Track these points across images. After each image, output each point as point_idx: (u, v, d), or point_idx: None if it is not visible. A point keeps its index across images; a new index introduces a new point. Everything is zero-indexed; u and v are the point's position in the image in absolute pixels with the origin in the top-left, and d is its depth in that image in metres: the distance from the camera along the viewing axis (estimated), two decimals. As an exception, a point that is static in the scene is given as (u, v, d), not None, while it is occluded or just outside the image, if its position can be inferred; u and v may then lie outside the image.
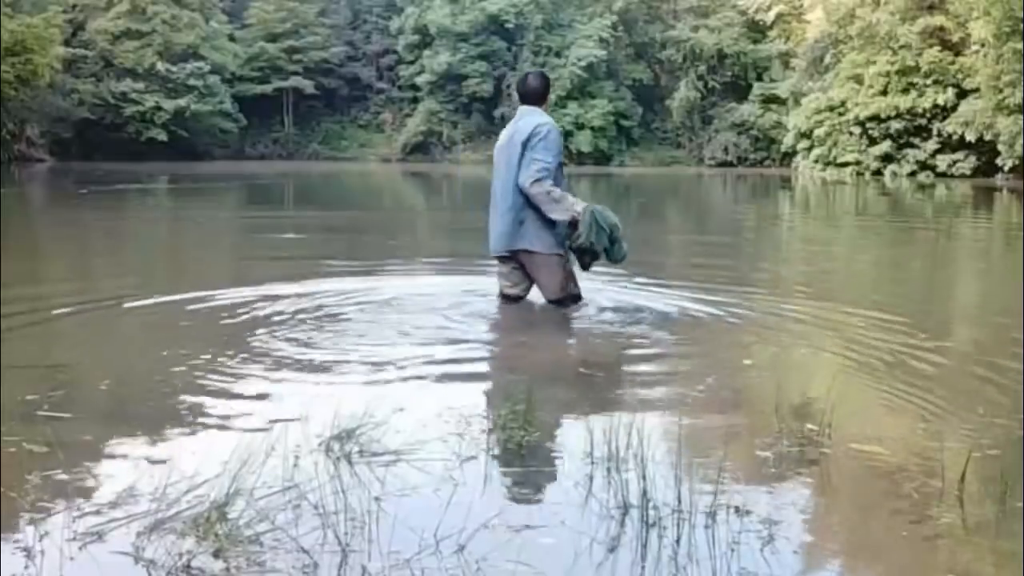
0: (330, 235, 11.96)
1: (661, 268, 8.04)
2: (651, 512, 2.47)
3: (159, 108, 46.75)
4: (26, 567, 2.17)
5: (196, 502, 2.47)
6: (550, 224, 5.31)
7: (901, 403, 3.76)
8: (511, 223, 5.36)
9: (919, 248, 11.95)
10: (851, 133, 37.09)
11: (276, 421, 3.25)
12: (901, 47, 35.30)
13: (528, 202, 5.28)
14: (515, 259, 5.49)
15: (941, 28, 34.86)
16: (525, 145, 5.25)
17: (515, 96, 6.00)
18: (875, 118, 36.03)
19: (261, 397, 3.76)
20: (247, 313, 5.34)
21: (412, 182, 33.83)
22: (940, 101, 34.73)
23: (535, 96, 5.49)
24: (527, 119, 5.38)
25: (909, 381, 4.05)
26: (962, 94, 34.20)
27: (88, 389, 3.93)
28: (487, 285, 5.99)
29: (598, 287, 6.13)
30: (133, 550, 2.24)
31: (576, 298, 5.54)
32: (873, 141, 36.61)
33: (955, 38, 34.47)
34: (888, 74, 35.82)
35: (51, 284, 7.17)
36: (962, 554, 2.41)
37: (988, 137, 31.58)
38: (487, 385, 4.14)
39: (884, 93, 35.99)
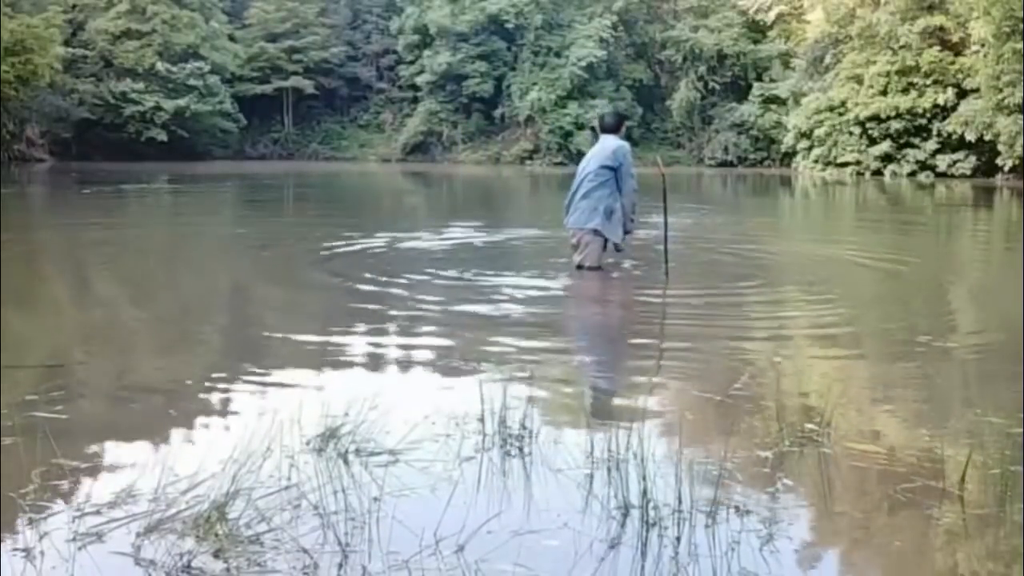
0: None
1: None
2: (651, 512, 2.47)
3: (159, 108, 46.65)
4: (26, 568, 2.16)
5: (196, 502, 2.46)
6: (610, 214, 7.12)
7: (901, 402, 3.76)
8: (589, 209, 7.11)
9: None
10: (851, 133, 37.02)
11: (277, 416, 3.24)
12: (901, 47, 35.21)
13: (605, 196, 7.10)
14: (580, 232, 7.20)
15: (941, 28, 34.78)
16: (622, 160, 7.12)
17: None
18: (875, 118, 35.95)
19: (264, 394, 3.76)
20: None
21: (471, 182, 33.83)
22: (940, 101, 34.65)
23: (612, 128, 7.41)
24: (614, 142, 7.25)
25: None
26: (962, 94, 34.12)
27: (88, 388, 3.92)
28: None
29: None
30: (133, 550, 2.24)
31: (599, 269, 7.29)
32: (873, 141, 36.53)
33: (955, 38, 34.39)
34: (888, 74, 35.75)
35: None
36: (963, 553, 2.41)
37: (988, 137, 31.52)
38: (485, 382, 4.13)
39: (884, 93, 35.92)
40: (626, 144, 7.36)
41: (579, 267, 7.26)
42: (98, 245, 9.89)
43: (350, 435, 3.00)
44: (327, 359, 4.56)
